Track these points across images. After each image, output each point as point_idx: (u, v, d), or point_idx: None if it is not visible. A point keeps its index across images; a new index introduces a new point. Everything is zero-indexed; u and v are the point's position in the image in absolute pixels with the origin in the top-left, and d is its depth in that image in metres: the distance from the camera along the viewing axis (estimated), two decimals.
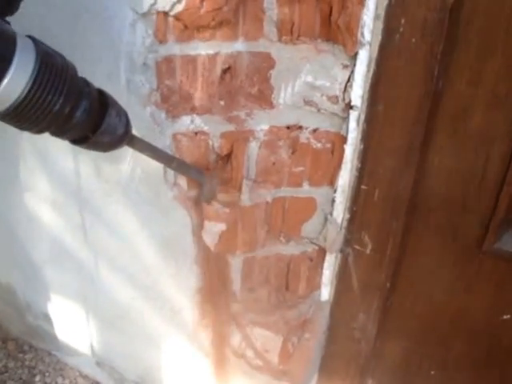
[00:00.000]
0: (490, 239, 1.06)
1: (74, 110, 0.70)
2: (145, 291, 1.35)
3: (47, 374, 1.80)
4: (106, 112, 0.77)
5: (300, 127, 1.08)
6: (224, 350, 1.29)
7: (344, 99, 1.01)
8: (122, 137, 0.82)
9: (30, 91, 0.63)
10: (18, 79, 0.62)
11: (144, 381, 1.61)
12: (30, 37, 0.67)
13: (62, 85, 0.67)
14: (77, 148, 0.79)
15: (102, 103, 0.77)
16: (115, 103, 0.81)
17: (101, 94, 0.79)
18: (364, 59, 0.96)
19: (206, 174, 1.08)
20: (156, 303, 1.34)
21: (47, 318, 1.77)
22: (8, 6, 0.69)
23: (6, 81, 0.60)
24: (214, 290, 1.23)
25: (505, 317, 1.13)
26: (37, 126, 0.68)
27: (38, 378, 1.78)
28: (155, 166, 1.06)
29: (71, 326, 1.71)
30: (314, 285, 1.26)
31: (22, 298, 1.83)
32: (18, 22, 0.88)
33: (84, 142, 0.77)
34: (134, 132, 0.97)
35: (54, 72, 0.66)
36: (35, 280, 1.69)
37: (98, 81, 1.01)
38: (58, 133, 0.73)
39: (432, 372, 1.31)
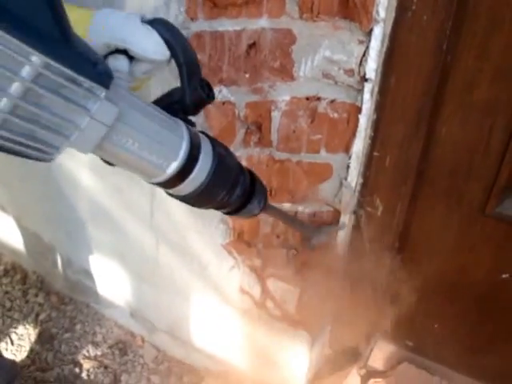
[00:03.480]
0: (493, 204, 1.13)
1: (229, 198, 0.77)
2: (175, 247, 1.46)
3: (86, 324, 1.95)
4: (250, 200, 0.82)
5: (318, 98, 1.15)
6: (247, 301, 1.40)
7: (359, 72, 1.08)
8: (255, 215, 0.88)
9: (203, 189, 0.70)
10: (198, 177, 0.69)
11: (173, 330, 1.73)
12: (207, 136, 0.75)
13: (228, 182, 0.74)
14: None
15: (250, 191, 0.82)
16: (261, 190, 0.85)
17: (252, 181, 0.83)
18: (378, 35, 1.02)
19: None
20: (185, 258, 1.46)
21: (86, 273, 1.90)
22: (195, 109, 0.75)
23: (190, 178, 0.68)
24: (240, 246, 1.34)
25: (504, 276, 1.21)
26: (200, 208, 0.77)
27: (78, 327, 1.93)
28: None
29: (108, 280, 1.84)
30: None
31: (64, 255, 1.97)
32: None
33: (225, 213, 0.85)
34: None
35: (223, 171, 0.73)
36: (75, 238, 1.82)
37: None
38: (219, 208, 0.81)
39: (435, 325, 1.40)
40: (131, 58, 0.69)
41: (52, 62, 0.46)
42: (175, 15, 0.99)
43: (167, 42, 0.69)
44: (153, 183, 0.69)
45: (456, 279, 1.29)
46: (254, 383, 1.57)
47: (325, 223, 1.32)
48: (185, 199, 0.73)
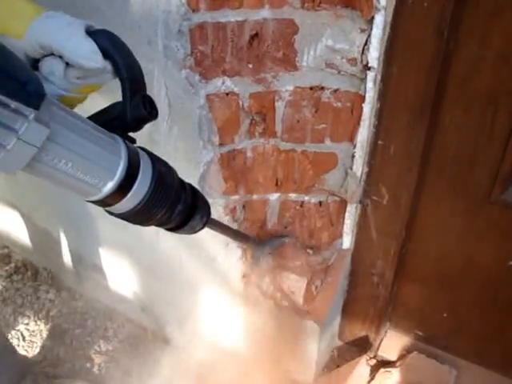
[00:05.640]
0: (498, 191, 1.14)
1: (170, 215, 0.76)
2: (183, 240, 1.46)
3: (97, 319, 1.95)
4: (192, 217, 0.81)
5: (322, 88, 1.16)
6: (255, 292, 1.41)
7: (362, 61, 1.08)
8: (197, 231, 0.87)
9: (141, 207, 0.69)
10: (136, 196, 0.68)
11: (183, 323, 1.74)
12: (147, 153, 0.73)
13: (168, 200, 0.73)
14: None
15: (192, 208, 0.81)
16: (203, 206, 0.85)
17: (194, 197, 0.82)
18: (380, 23, 1.02)
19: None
20: (193, 251, 1.46)
21: (96, 268, 1.92)
22: (136, 125, 0.73)
23: (127, 197, 0.67)
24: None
25: (511, 263, 1.21)
26: (139, 225, 0.75)
27: (89, 322, 1.95)
28: (191, 124, 1.18)
29: (118, 275, 1.85)
30: (336, 234, 1.36)
31: (74, 251, 1.99)
32: None
33: (167, 229, 0.84)
34: (174, 101, 1.07)
35: (163, 189, 0.72)
36: (85, 233, 1.84)
37: (139, 47, 1.12)
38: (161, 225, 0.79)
39: (444, 315, 1.40)
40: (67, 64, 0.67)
41: None
42: (177, 6, 1.00)
43: (108, 55, 0.67)
44: (89, 201, 0.68)
45: (463, 267, 1.29)
46: (263, 374, 1.58)
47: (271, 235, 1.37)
48: (123, 217, 0.72)
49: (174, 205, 0.76)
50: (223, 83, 1.13)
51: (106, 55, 0.67)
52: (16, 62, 0.53)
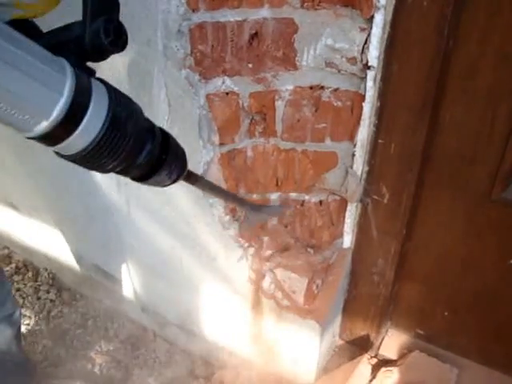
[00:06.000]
0: (498, 189, 1.14)
1: (128, 166, 0.67)
2: (183, 240, 1.46)
3: (98, 319, 1.96)
4: (157, 171, 0.71)
5: (322, 87, 1.16)
6: (256, 292, 1.41)
7: (362, 60, 1.08)
8: (167, 185, 0.77)
9: (91, 150, 0.60)
10: (78, 141, 0.59)
11: (184, 323, 1.74)
12: (109, 90, 0.62)
13: (124, 146, 0.63)
14: None
15: (158, 162, 0.70)
16: (175, 161, 0.73)
17: (165, 148, 0.71)
18: (379, 22, 1.02)
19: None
20: (193, 251, 1.46)
21: (97, 268, 1.92)
22: (97, 54, 0.63)
23: (67, 141, 0.58)
24: (248, 236, 1.35)
25: (511, 261, 1.21)
26: (94, 170, 0.66)
27: (90, 322, 1.95)
28: (191, 124, 1.18)
29: (119, 275, 1.86)
30: (337, 233, 1.36)
31: (75, 252, 1.99)
32: None
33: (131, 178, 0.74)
34: (173, 101, 1.07)
35: (117, 136, 0.61)
36: (86, 234, 1.84)
37: (138, 47, 1.13)
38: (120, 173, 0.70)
39: (445, 313, 1.40)
40: None
41: None
42: (176, 6, 1.00)
43: None
44: (27, 137, 0.59)
45: (464, 266, 1.29)
46: (264, 374, 1.58)
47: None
48: (71, 159, 0.62)
49: (134, 155, 0.66)
50: (223, 83, 1.13)
51: None
52: None
